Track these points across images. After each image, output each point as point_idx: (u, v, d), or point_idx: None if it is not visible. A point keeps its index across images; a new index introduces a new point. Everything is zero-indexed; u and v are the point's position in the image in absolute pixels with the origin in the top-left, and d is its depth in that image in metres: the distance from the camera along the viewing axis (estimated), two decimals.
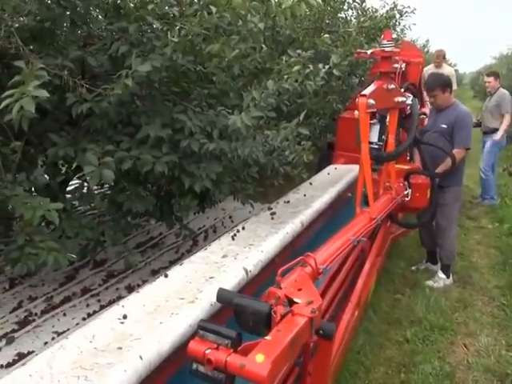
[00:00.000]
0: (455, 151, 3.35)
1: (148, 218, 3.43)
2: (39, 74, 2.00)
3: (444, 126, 3.54)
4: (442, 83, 3.59)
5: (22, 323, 2.64)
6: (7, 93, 1.92)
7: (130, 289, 3.05)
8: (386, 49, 3.07)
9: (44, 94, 1.90)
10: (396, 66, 3.41)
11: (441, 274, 3.63)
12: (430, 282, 3.59)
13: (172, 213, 3.06)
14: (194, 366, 1.30)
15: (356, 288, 2.48)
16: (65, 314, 2.74)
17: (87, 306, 2.85)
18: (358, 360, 2.52)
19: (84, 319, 2.68)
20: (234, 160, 2.93)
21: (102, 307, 2.81)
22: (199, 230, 4.11)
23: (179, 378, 1.65)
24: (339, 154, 4.98)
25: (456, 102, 3.66)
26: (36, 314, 2.73)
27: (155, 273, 3.30)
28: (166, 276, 2.06)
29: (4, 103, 1.88)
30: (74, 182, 3.28)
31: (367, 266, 2.68)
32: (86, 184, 2.89)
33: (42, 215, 2.18)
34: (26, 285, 3.07)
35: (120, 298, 2.93)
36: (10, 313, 2.75)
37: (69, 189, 3.23)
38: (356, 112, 5.73)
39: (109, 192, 3.22)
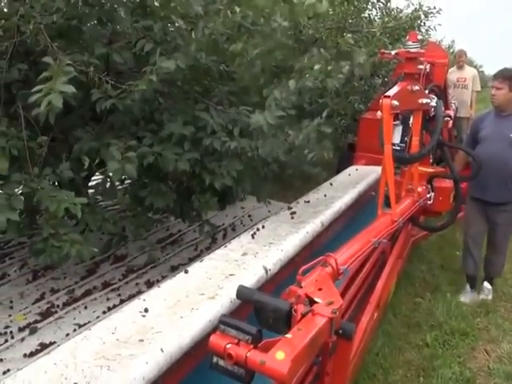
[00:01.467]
0: None
1: (167, 214, 3.45)
2: (67, 70, 2.04)
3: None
4: (510, 76, 3.03)
5: (45, 314, 2.69)
6: (36, 88, 1.97)
7: (150, 284, 3.08)
8: (411, 50, 3.04)
9: (71, 89, 1.95)
10: (421, 67, 3.37)
11: (488, 286, 3.43)
12: (482, 296, 3.37)
13: (192, 209, 3.09)
14: (215, 359, 1.31)
15: (376, 290, 2.46)
16: (86, 307, 2.78)
17: (107, 299, 2.89)
18: (376, 362, 2.50)
19: (104, 312, 2.71)
20: (254, 158, 2.94)
21: (122, 301, 2.85)
22: (218, 228, 4.12)
23: (199, 371, 1.67)
24: (360, 154, 4.94)
25: None
26: (58, 306, 2.79)
27: (174, 269, 3.32)
28: (187, 272, 2.08)
29: (33, 98, 1.92)
30: (96, 177, 3.34)
31: (387, 268, 2.65)
32: (108, 179, 2.94)
33: (67, 208, 2.23)
34: (48, 277, 3.13)
35: (140, 292, 2.97)
36: (33, 304, 2.81)
37: (91, 184, 3.29)
38: (378, 113, 5.68)
39: (129, 187, 3.27)
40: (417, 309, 3.14)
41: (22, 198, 2.37)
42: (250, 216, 4.55)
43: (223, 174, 2.66)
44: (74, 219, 2.62)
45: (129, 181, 3.28)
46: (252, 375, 1.29)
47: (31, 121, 2.50)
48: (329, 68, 2.89)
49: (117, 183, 3.02)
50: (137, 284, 3.10)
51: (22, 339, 2.46)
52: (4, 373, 2.17)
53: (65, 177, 2.56)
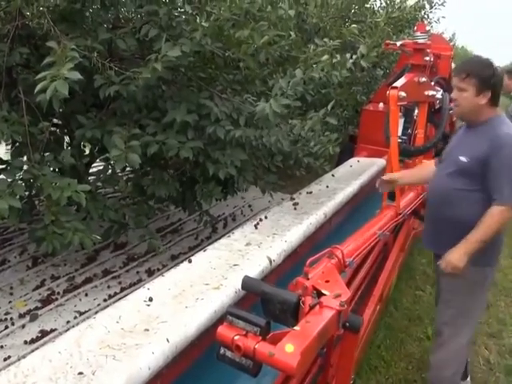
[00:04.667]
0: (495, 210, 1.82)
1: (168, 203, 3.42)
2: (71, 56, 2.00)
3: (463, 158, 1.91)
4: (478, 71, 1.88)
5: (45, 301, 2.68)
6: (41, 75, 1.93)
7: (151, 272, 3.07)
8: (419, 41, 3.01)
9: (77, 76, 1.91)
10: (427, 58, 3.34)
11: None
12: None
13: (194, 199, 3.06)
14: (222, 350, 1.30)
15: (378, 282, 2.46)
16: (86, 295, 2.77)
17: (108, 287, 2.88)
18: (378, 354, 2.50)
19: (105, 300, 2.71)
20: (258, 148, 2.91)
21: (123, 289, 2.84)
22: (218, 217, 4.11)
23: (204, 361, 1.66)
24: (362, 146, 4.93)
25: (496, 119, 1.94)
26: (58, 293, 2.77)
27: (175, 258, 3.31)
28: (190, 261, 2.07)
29: (39, 86, 1.88)
30: (96, 163, 3.30)
31: (390, 261, 2.65)
32: (110, 166, 2.91)
33: (69, 196, 2.20)
34: (48, 264, 3.11)
35: (140, 281, 2.96)
36: (33, 290, 2.80)
37: (92, 171, 3.26)
38: (381, 105, 5.64)
39: (132, 175, 3.23)
40: (418, 302, 3.14)
41: (23, 184, 2.34)
42: (250, 206, 4.54)
43: (227, 163, 2.63)
44: (74, 206, 2.59)
45: (129, 169, 3.24)
46: (260, 367, 1.28)
47: (32, 106, 2.46)
48: (334, 61, 2.85)
49: (118, 171, 2.98)
50: (137, 272, 3.09)
51: (23, 326, 2.45)
52: (5, 359, 2.16)
53: (66, 163, 2.53)
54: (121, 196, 3.60)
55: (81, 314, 2.56)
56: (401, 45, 3.73)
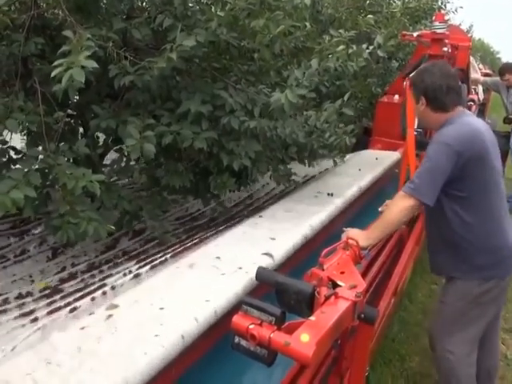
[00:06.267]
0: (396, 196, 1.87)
1: (184, 195, 3.40)
2: (87, 45, 2.00)
3: None
4: (413, 80, 2.00)
5: (67, 280, 2.65)
6: (56, 62, 1.93)
7: (174, 254, 3.01)
8: (438, 30, 2.95)
9: (93, 64, 1.91)
10: (445, 49, 3.28)
11: None
12: None
13: (208, 190, 3.06)
14: (236, 339, 1.29)
15: (393, 275, 2.43)
16: (109, 268, 2.74)
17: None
18: (392, 348, 2.48)
19: (130, 272, 2.63)
20: (272, 139, 2.89)
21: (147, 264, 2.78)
22: (232, 208, 4.05)
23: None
24: (376, 139, 4.87)
25: (447, 121, 1.84)
26: (82, 272, 2.76)
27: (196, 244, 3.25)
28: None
29: (54, 72, 1.88)
30: (109, 155, 3.29)
31: (405, 254, 2.62)
32: (124, 157, 2.91)
33: (84, 186, 2.21)
34: (68, 255, 3.09)
35: (166, 260, 2.89)
36: (55, 275, 2.77)
37: (105, 162, 3.26)
38: (396, 97, 5.57)
39: (146, 166, 3.23)
40: (433, 295, 3.10)
41: (38, 174, 2.36)
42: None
43: (241, 154, 2.61)
44: (88, 196, 2.60)
45: (143, 160, 3.24)
46: (275, 356, 1.27)
47: (47, 96, 2.48)
48: (350, 51, 2.82)
49: (132, 162, 2.99)
50: (158, 251, 3.04)
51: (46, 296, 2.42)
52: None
53: (81, 153, 2.54)
54: (135, 187, 3.60)
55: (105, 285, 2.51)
56: (418, 35, 3.67)
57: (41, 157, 2.43)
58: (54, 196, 3.12)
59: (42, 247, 3.19)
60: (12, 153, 2.67)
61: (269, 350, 1.24)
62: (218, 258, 2.04)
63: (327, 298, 1.40)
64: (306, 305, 1.43)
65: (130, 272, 2.52)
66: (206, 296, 1.73)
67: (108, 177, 2.82)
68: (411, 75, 2.59)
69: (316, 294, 1.42)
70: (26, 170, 2.31)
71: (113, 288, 2.19)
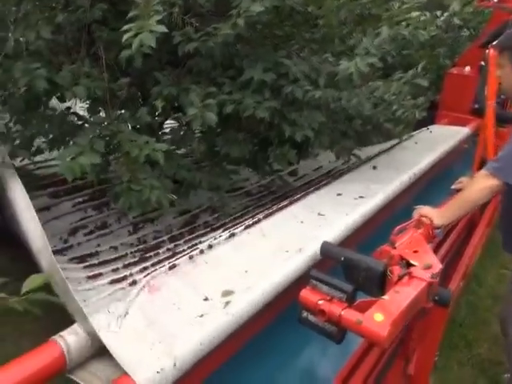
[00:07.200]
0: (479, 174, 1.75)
1: (241, 166, 3.34)
2: (156, 9, 1.95)
3: None
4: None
5: (152, 248, 2.72)
6: (126, 27, 1.90)
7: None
8: None
9: (163, 29, 1.87)
10: None
11: None
12: None
13: (266, 161, 2.99)
14: (304, 314, 1.25)
15: (463, 258, 2.29)
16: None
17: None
18: (460, 333, 2.35)
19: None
20: (335, 111, 2.76)
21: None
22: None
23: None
24: (444, 113, 4.58)
25: None
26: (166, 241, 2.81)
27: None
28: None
29: (125, 37, 1.86)
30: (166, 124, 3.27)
31: (476, 236, 2.45)
32: (183, 126, 2.89)
33: (147, 154, 2.21)
34: (150, 230, 3.12)
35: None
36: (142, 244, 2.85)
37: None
38: (467, 68, 5.19)
39: (203, 136, 3.20)
40: (503, 280, 2.90)
41: (102, 141, 2.38)
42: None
43: (304, 125, 2.51)
44: (149, 164, 2.60)
45: (202, 129, 3.20)
46: (344, 334, 1.22)
47: (110, 63, 2.48)
48: (422, 18, 2.61)
49: (193, 130, 2.96)
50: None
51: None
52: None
53: (142, 121, 2.54)
54: (193, 158, 3.58)
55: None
56: (498, 1, 3.37)
57: (104, 124, 2.46)
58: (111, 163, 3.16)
59: (122, 222, 3.20)
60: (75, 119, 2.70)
61: (338, 327, 1.19)
62: None
63: (401, 277, 1.32)
64: (376, 283, 1.35)
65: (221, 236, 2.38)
66: None
67: (168, 145, 2.81)
68: (494, 43, 2.37)
69: (388, 272, 1.34)
70: (90, 136, 2.34)
71: (210, 246, 2.14)
